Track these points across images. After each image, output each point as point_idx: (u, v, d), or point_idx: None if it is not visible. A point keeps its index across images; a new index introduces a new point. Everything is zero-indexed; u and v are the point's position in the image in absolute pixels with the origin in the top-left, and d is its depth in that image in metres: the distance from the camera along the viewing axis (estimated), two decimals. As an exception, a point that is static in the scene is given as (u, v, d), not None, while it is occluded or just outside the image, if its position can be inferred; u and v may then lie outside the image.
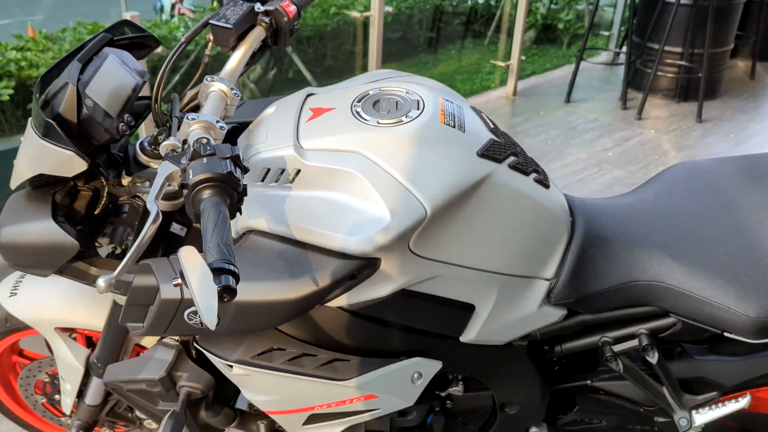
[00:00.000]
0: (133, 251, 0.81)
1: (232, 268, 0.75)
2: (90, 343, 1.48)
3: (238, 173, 0.84)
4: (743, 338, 1.13)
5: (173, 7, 8.25)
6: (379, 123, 1.06)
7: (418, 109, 1.08)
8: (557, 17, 6.41)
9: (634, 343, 1.23)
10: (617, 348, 1.24)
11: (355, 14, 3.40)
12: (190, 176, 0.83)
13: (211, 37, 1.18)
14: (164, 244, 1.19)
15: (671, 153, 3.89)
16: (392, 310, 1.10)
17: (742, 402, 1.21)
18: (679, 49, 4.47)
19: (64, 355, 1.40)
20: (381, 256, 1.01)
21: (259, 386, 1.15)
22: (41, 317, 1.38)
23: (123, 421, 1.53)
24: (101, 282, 0.79)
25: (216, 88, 1.10)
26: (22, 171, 1.04)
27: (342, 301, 1.07)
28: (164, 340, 1.23)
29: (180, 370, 1.20)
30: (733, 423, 1.39)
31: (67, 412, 1.49)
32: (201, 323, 1.04)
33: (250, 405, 1.37)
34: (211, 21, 1.15)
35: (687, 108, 4.55)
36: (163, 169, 0.88)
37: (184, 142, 0.96)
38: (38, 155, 0.99)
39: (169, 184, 0.89)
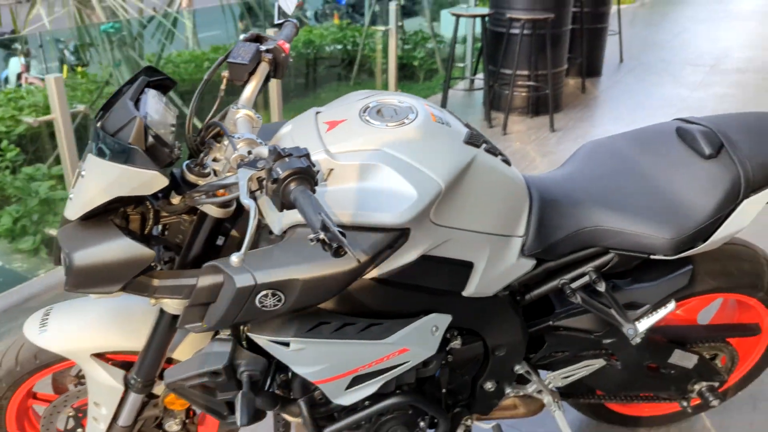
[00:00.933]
0: (248, 240, 1.02)
1: (340, 229, 0.98)
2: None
3: (311, 166, 1.08)
4: (665, 256, 1.52)
5: (19, 76, 7.98)
6: (387, 125, 1.34)
7: (413, 113, 1.38)
8: (412, 56, 7.05)
9: (585, 280, 1.59)
10: (574, 286, 1.60)
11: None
12: (279, 173, 1.05)
13: (226, 74, 1.40)
14: (204, 253, 1.37)
15: (538, 159, 4.49)
16: (414, 273, 1.36)
17: (669, 306, 1.61)
18: (526, 72, 5.18)
19: (103, 379, 1.48)
20: (411, 227, 1.27)
21: (311, 358, 1.35)
22: (77, 346, 1.46)
23: (152, 440, 1.63)
24: (234, 258, 0.99)
25: (242, 114, 1.34)
26: (92, 198, 1.18)
27: (375, 272, 1.32)
28: (217, 336, 1.39)
29: (239, 359, 1.37)
30: (662, 337, 1.79)
31: (98, 439, 1.56)
32: (267, 305, 1.24)
33: (282, 390, 1.55)
34: (229, 60, 1.38)
35: (540, 121, 5.26)
36: (243, 173, 1.09)
37: (249, 152, 1.18)
38: (117, 180, 1.15)
39: (250, 186, 1.10)
